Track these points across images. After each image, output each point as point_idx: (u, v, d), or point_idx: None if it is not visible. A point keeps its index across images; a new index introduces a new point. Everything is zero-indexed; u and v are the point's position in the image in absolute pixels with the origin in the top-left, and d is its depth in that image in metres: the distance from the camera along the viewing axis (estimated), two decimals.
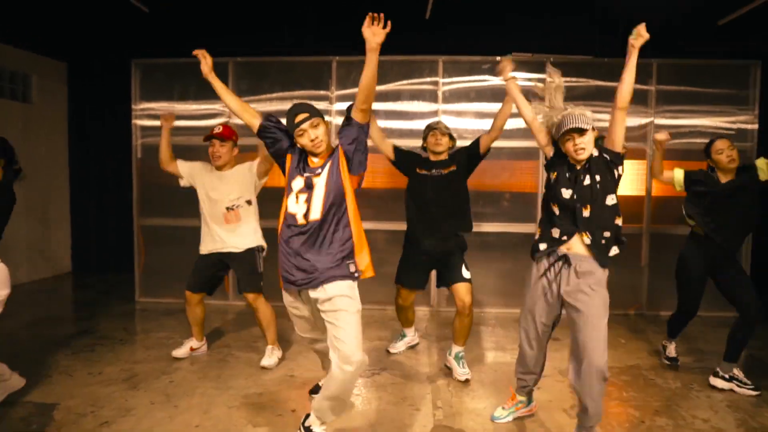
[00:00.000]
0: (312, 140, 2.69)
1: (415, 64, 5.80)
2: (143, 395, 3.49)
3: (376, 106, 5.74)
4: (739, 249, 3.98)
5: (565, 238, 2.79)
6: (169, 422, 3.10)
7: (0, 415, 3.13)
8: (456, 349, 3.95)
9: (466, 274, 3.87)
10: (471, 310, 3.86)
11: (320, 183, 2.69)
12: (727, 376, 3.71)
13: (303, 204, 2.71)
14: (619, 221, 2.78)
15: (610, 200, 2.75)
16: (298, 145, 2.77)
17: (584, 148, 2.74)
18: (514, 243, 5.83)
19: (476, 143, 3.96)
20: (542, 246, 2.88)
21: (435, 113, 5.78)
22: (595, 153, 2.78)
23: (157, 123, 5.89)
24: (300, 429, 2.74)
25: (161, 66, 6.00)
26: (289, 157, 2.82)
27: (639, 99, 5.71)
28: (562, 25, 6.09)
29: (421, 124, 5.73)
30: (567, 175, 2.81)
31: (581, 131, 2.72)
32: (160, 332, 4.87)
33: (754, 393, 3.58)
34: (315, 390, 3.35)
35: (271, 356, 4.08)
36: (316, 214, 2.67)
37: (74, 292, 6.75)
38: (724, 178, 3.78)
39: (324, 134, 2.72)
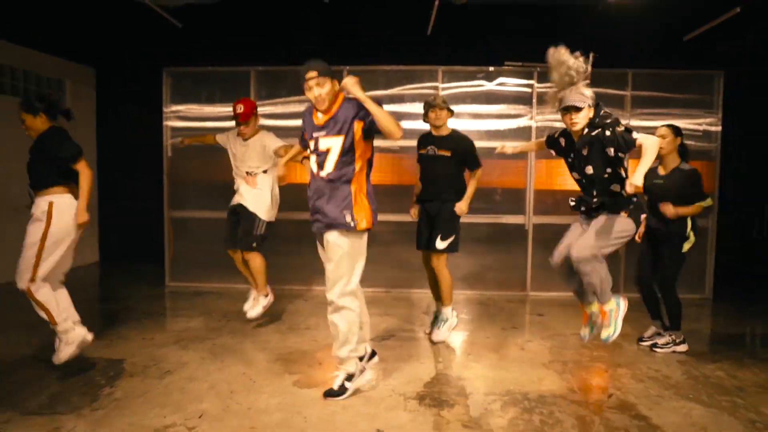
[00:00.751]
0: (315, 96, 3.24)
1: (417, 73, 6.50)
2: (193, 353, 4.19)
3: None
4: None
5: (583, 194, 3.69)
6: (220, 372, 3.79)
7: (80, 367, 3.82)
8: (440, 307, 4.67)
9: (440, 245, 4.48)
10: (444, 272, 4.54)
11: (327, 143, 3.32)
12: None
13: (314, 163, 3.40)
14: (616, 188, 3.52)
15: (606, 172, 3.51)
16: (308, 96, 3.28)
17: (577, 122, 3.49)
18: (506, 233, 6.56)
19: (470, 159, 4.69)
20: (572, 201, 3.72)
21: None
22: (594, 132, 3.47)
23: (185, 124, 6.64)
24: (335, 389, 3.41)
25: (190, 74, 6.68)
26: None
27: (616, 103, 6.42)
28: (550, 39, 6.80)
29: (422, 125, 6.44)
30: (569, 151, 3.66)
31: (577, 109, 3.42)
32: (194, 309, 5.56)
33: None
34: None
35: (256, 306, 4.91)
36: (328, 169, 3.33)
37: (106, 279, 7.42)
38: (661, 170, 4.39)
39: (327, 93, 3.23)
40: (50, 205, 3.58)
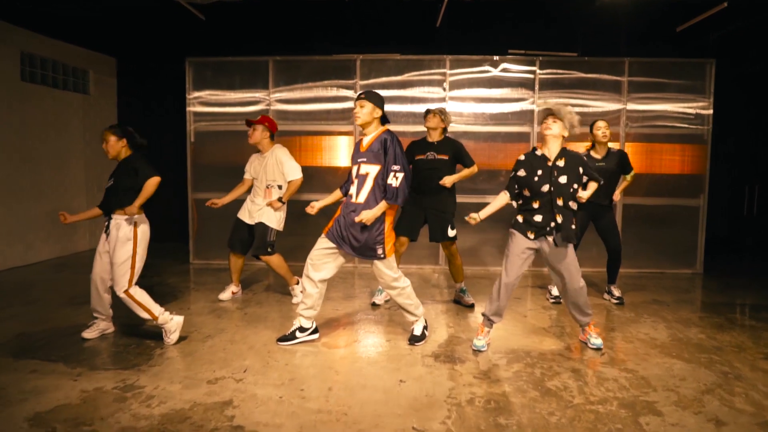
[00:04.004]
0: (354, 111, 3.93)
1: (425, 61, 6.89)
2: (228, 321, 4.65)
3: (392, 92, 6.88)
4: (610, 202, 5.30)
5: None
6: (256, 336, 4.26)
7: (129, 333, 4.28)
8: (458, 285, 5.25)
9: (451, 233, 5.03)
10: (457, 255, 5.15)
11: (365, 170, 3.92)
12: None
13: (354, 187, 3.96)
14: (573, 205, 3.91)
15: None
16: None
17: (551, 128, 3.85)
18: (510, 213, 6.97)
19: (459, 154, 5.05)
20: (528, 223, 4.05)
21: (443, 99, 6.88)
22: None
23: (207, 109, 7.05)
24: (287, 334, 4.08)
25: (211, 63, 7.07)
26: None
27: (613, 88, 6.83)
28: (551, 28, 7.21)
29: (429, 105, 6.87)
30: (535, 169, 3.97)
31: (555, 118, 3.83)
32: (220, 284, 6.01)
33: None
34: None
35: (298, 294, 5.31)
36: (361, 198, 3.90)
37: None
38: (597, 154, 5.14)
39: (364, 114, 3.90)
40: (135, 225, 4.03)
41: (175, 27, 7.21)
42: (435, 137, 5.06)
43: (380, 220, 3.90)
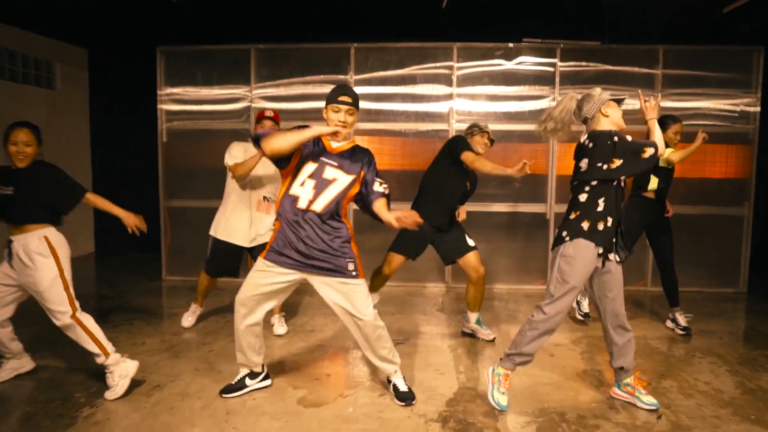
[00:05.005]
0: (341, 121, 3.02)
1: (430, 50, 6.01)
2: (187, 363, 3.77)
3: (393, 89, 6.00)
4: None
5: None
6: (215, 386, 3.37)
7: (58, 380, 3.42)
8: (474, 315, 4.33)
9: (471, 242, 4.20)
10: (484, 277, 4.22)
11: (333, 174, 3.04)
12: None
13: (307, 190, 3.02)
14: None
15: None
16: (325, 116, 3.10)
17: None
18: (525, 223, 6.11)
19: (458, 149, 4.06)
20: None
21: (450, 96, 6.00)
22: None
23: (181, 107, 6.18)
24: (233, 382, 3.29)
25: (185, 52, 6.21)
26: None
27: (646, 82, 5.94)
28: (572, 11, 6.29)
29: (436, 107, 6.00)
30: None
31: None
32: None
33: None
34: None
35: (282, 324, 4.46)
36: (318, 206, 3.00)
37: (101, 272, 7.01)
38: None
39: (351, 123, 3.09)
40: (46, 239, 3.19)
41: (150, 13, 6.35)
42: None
43: (348, 235, 3.07)
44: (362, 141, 6.10)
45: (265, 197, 4.29)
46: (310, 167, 3.04)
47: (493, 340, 4.27)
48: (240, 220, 4.27)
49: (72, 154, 7.42)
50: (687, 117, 5.92)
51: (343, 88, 3.09)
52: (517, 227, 6.14)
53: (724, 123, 5.99)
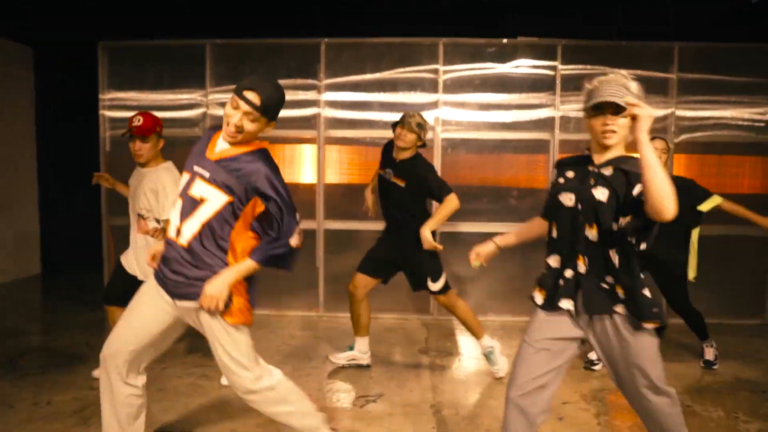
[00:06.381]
0: (235, 124, 2.11)
1: (413, 47, 5.26)
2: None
3: (370, 96, 5.27)
4: None
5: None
6: None
7: None
8: (481, 342, 3.80)
9: (433, 286, 3.67)
10: (456, 305, 3.75)
11: (202, 191, 2.18)
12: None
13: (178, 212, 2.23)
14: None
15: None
16: (224, 110, 2.17)
17: (615, 131, 2.11)
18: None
19: (433, 187, 3.60)
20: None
21: (435, 104, 5.25)
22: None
23: (126, 114, 5.35)
24: None
25: (131, 50, 5.44)
26: None
27: (659, 88, 5.23)
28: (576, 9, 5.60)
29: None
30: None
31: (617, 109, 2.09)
32: None
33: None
34: None
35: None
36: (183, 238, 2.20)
37: (37, 297, 6.21)
38: None
39: (249, 132, 2.15)
40: None
41: (95, 4, 5.59)
42: (402, 154, 3.69)
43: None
44: (333, 150, 5.33)
45: (139, 214, 3.36)
46: (184, 178, 2.23)
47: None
48: (131, 248, 3.48)
49: (15, 163, 6.63)
50: (705, 128, 5.28)
51: (257, 81, 2.14)
52: (514, 249, 5.35)
53: (747, 133, 5.28)
